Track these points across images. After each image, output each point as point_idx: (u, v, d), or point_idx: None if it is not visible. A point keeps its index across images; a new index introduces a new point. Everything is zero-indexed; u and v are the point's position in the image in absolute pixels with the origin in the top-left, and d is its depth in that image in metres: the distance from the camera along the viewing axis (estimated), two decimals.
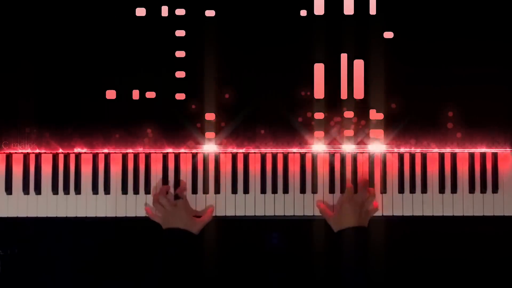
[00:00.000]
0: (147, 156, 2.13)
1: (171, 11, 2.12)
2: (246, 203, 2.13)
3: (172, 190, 2.12)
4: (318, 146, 2.12)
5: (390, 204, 2.12)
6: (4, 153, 2.12)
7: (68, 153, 2.12)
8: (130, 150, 2.12)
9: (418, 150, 2.12)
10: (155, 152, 2.13)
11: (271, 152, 2.13)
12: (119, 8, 2.12)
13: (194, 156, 2.13)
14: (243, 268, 2.21)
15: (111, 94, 2.12)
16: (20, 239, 2.22)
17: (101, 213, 2.12)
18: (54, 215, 2.12)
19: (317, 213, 2.12)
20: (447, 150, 2.12)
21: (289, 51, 2.12)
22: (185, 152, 2.13)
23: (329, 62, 2.12)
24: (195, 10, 2.13)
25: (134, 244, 2.21)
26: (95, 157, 2.12)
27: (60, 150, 2.11)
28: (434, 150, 2.12)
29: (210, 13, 2.13)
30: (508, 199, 2.12)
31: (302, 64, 2.12)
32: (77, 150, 2.11)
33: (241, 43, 2.12)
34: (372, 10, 2.12)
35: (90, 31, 2.13)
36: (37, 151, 2.11)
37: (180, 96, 2.12)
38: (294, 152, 2.12)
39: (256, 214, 2.12)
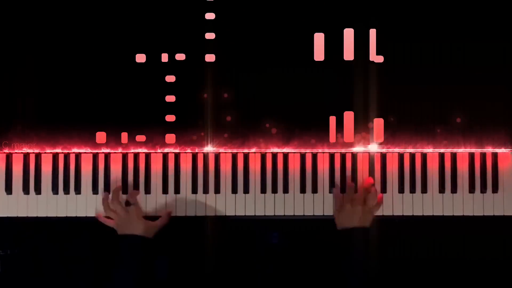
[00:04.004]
0: (147, 156, 2.13)
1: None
2: (246, 203, 2.13)
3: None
4: (318, 146, 2.12)
5: (390, 204, 2.12)
6: (4, 153, 2.12)
7: (68, 153, 2.12)
8: (130, 150, 2.12)
9: (418, 150, 2.12)
10: (155, 152, 2.13)
11: (271, 152, 2.13)
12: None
13: (194, 155, 2.13)
14: (243, 268, 2.21)
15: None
16: (20, 239, 2.22)
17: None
18: (54, 215, 2.12)
19: (317, 213, 2.12)
20: (447, 150, 2.12)
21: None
22: (185, 152, 2.13)
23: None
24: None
25: None
26: (95, 157, 2.12)
27: (60, 150, 2.11)
28: (434, 150, 2.12)
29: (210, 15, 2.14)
30: (508, 199, 2.12)
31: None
32: (77, 150, 2.11)
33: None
34: None
35: (91, 35, 2.13)
36: (37, 151, 2.12)
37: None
38: (294, 152, 2.13)
39: (256, 214, 2.12)
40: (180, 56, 2.12)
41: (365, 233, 2.01)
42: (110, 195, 2.06)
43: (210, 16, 2.12)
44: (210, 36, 2.12)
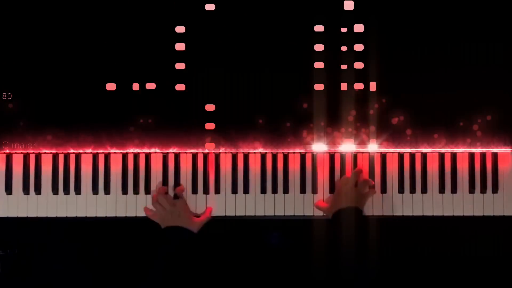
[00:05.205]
0: (147, 156, 2.13)
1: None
2: (246, 203, 2.13)
3: (171, 190, 2.13)
4: (318, 146, 2.12)
5: (390, 204, 2.12)
6: (4, 153, 2.12)
7: (68, 153, 2.12)
8: (130, 150, 2.12)
9: (418, 150, 2.12)
10: (155, 152, 2.13)
11: (271, 152, 2.13)
12: None
13: (195, 156, 2.13)
14: (243, 268, 2.21)
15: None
16: (20, 239, 2.22)
17: (101, 213, 2.12)
18: (54, 215, 2.12)
19: (317, 213, 2.12)
20: (447, 150, 2.12)
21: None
22: (185, 152, 2.13)
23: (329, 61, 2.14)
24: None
25: (134, 244, 2.21)
26: (95, 157, 2.12)
27: (60, 150, 2.11)
28: (434, 150, 2.12)
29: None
30: (508, 199, 2.12)
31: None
32: (77, 150, 2.11)
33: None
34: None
35: (89, 35, 2.14)
36: (37, 151, 2.12)
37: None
38: (294, 152, 2.13)
39: (256, 214, 2.13)
40: None
41: (361, 213, 2.01)
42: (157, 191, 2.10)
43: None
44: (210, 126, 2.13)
